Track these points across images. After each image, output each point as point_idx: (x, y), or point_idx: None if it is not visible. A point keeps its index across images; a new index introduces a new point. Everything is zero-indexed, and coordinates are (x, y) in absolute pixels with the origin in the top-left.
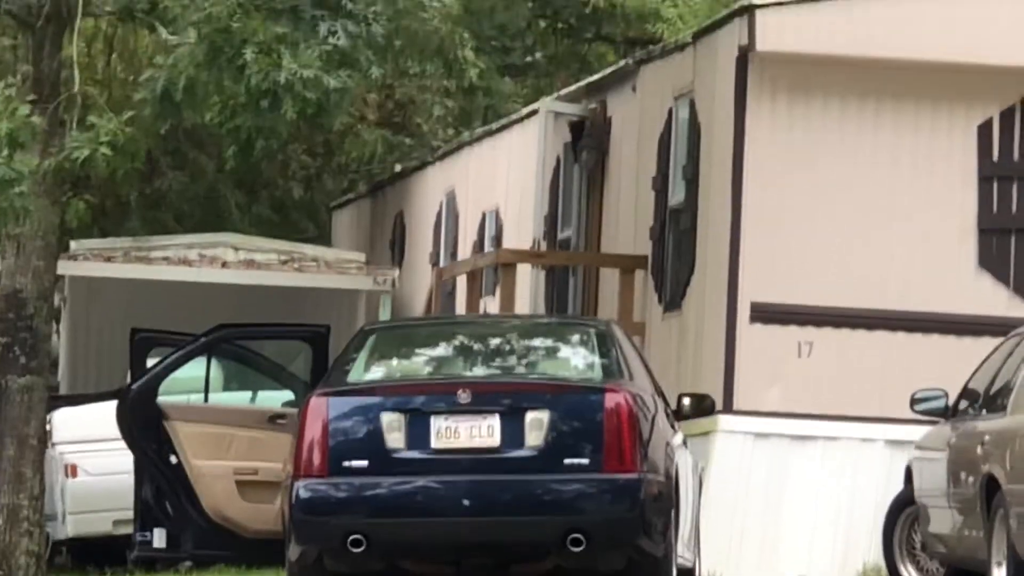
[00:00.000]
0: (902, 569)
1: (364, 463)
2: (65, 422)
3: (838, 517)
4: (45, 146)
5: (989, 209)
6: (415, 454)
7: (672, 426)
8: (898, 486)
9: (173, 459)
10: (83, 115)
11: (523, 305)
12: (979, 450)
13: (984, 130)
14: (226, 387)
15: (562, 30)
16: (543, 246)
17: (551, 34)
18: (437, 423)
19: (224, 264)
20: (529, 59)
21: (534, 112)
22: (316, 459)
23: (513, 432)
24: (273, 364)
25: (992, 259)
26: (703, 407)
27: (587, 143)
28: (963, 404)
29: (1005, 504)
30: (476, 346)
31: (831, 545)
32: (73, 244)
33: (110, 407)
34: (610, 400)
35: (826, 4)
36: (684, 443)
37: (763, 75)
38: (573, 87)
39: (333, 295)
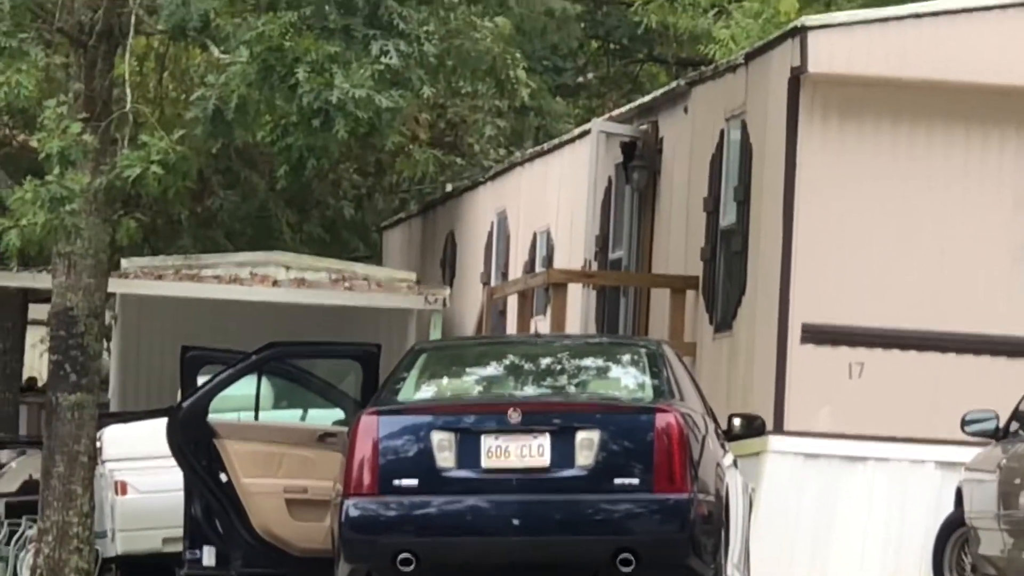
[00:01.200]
0: None
1: (414, 482)
2: (115, 439)
3: (888, 538)
4: (96, 164)
5: None
6: (465, 473)
7: (722, 446)
8: (948, 508)
9: (223, 477)
10: (135, 133)
11: (574, 325)
12: None
13: None
14: (276, 405)
15: (614, 51)
16: (594, 266)
17: (603, 54)
18: (487, 442)
19: (275, 283)
20: (581, 79)
21: (586, 132)
22: (366, 478)
23: (563, 452)
24: (324, 383)
25: None
26: (753, 427)
27: (638, 164)
28: (1014, 426)
29: None
30: (526, 366)
31: (881, 567)
32: (124, 262)
33: (160, 425)
34: (660, 420)
35: (878, 25)
36: (734, 463)
37: (815, 96)
38: (625, 108)
39: (384, 314)
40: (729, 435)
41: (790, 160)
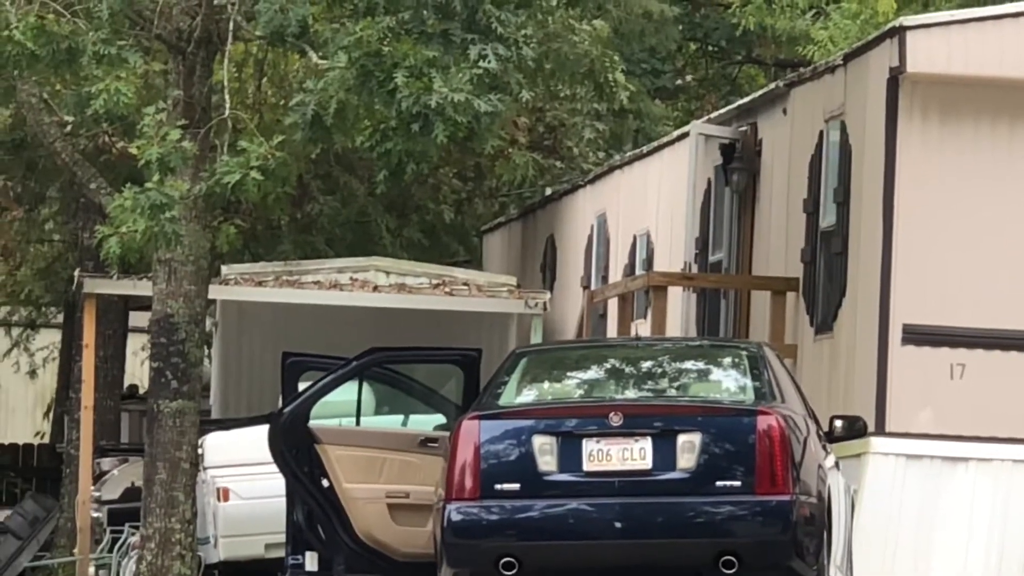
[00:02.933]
0: None
1: (516, 486)
2: (217, 446)
3: (990, 538)
4: (196, 171)
5: None
6: (567, 477)
7: (824, 448)
8: None
9: (325, 482)
10: (234, 139)
11: (674, 328)
12: None
13: None
14: (377, 410)
15: (712, 53)
16: (694, 269)
17: (701, 57)
18: (589, 446)
19: (375, 288)
20: (679, 82)
21: (685, 135)
22: (468, 482)
23: (665, 454)
24: (425, 387)
25: None
26: (855, 429)
27: (738, 165)
28: None
29: None
30: (627, 369)
31: (984, 567)
32: (224, 269)
33: (261, 431)
34: (762, 422)
35: (976, 25)
36: (836, 465)
37: (914, 97)
38: (724, 110)
39: (484, 318)
40: (830, 437)
41: (889, 161)
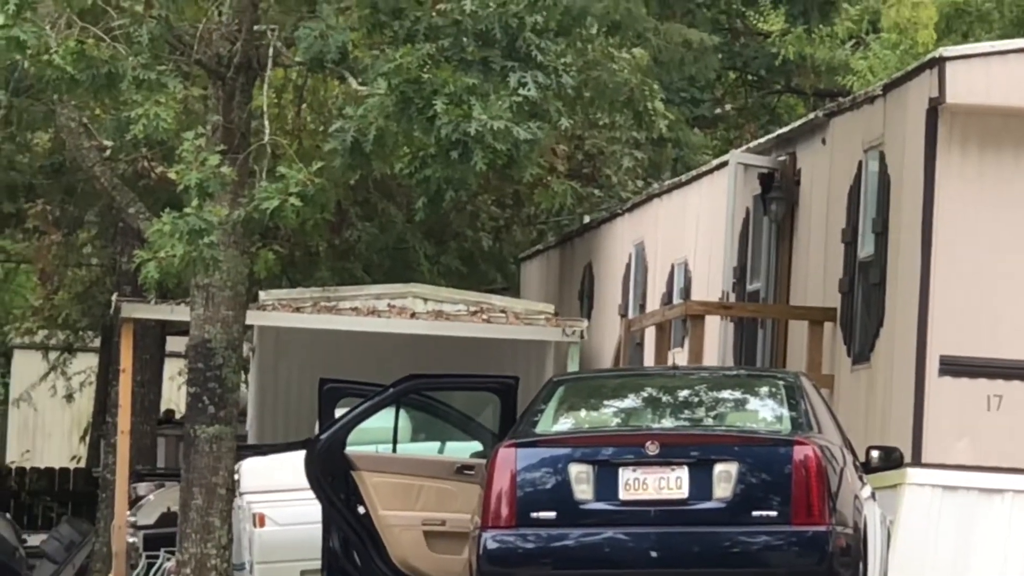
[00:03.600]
0: None
1: (552, 514)
2: (253, 472)
3: None
4: (235, 196)
5: None
6: (603, 505)
7: (860, 479)
8: None
9: (361, 509)
10: (273, 165)
11: (712, 357)
12: None
13: None
14: (414, 437)
15: (752, 82)
16: (732, 298)
17: (741, 86)
18: (625, 474)
19: (413, 315)
20: (719, 111)
21: (724, 164)
22: (504, 510)
23: (701, 484)
24: (461, 415)
25: None
26: (891, 460)
27: (776, 195)
28: None
29: None
30: (664, 398)
31: None
32: (262, 294)
33: (298, 457)
34: (799, 452)
35: (1016, 56)
36: (872, 496)
37: (953, 127)
38: (763, 139)
39: (521, 346)
40: (867, 467)
41: (928, 191)
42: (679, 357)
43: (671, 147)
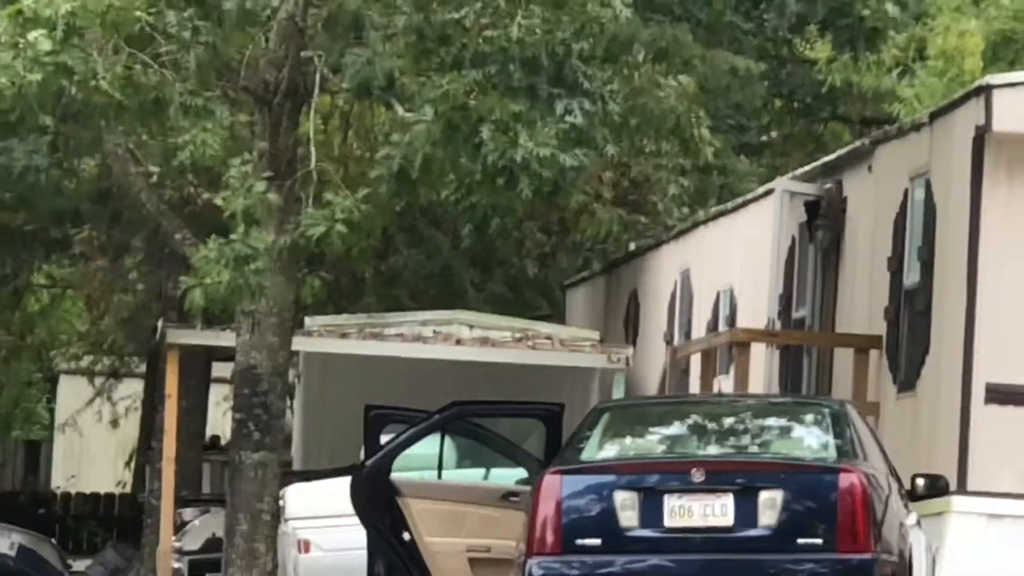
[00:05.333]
0: None
1: (597, 541)
2: (298, 497)
3: None
4: (281, 223)
5: None
6: (648, 532)
7: (906, 506)
8: None
9: (406, 536)
10: (319, 192)
11: (757, 384)
12: None
13: None
14: (459, 464)
15: (798, 109)
16: (778, 325)
17: (787, 113)
18: (671, 502)
19: (458, 341)
20: (765, 138)
21: (770, 191)
22: (549, 537)
23: (747, 511)
24: (507, 442)
25: None
26: (937, 487)
27: (822, 223)
28: None
29: None
30: (710, 425)
31: None
32: (308, 320)
33: (343, 483)
34: (844, 480)
35: None
36: (918, 523)
37: (1000, 155)
38: (809, 167)
39: (567, 373)
40: (912, 495)
41: (974, 220)
42: (724, 384)
43: (717, 174)
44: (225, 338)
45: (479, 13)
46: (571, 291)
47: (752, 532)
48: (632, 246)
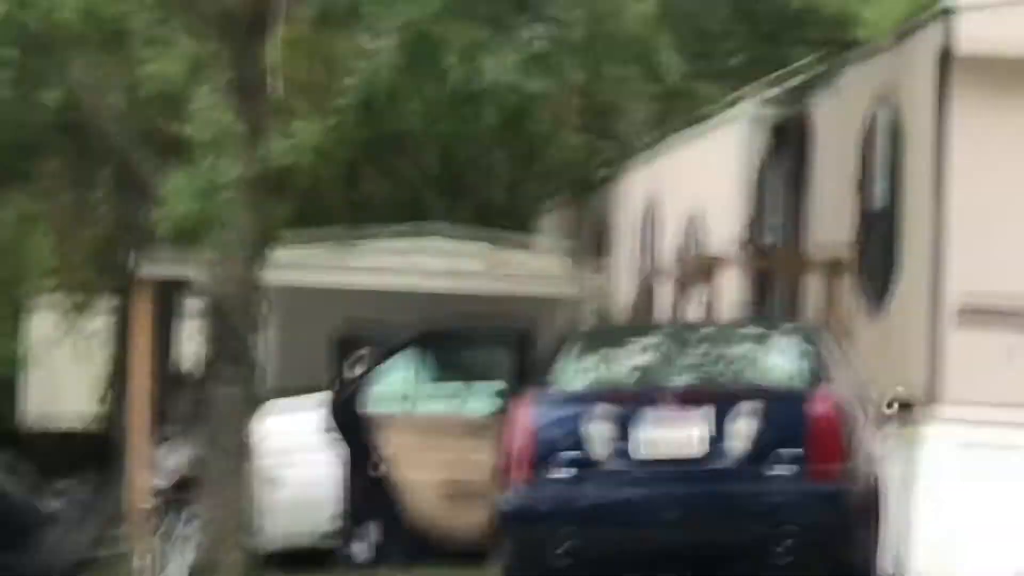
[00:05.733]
0: None
1: (570, 471)
2: (270, 433)
3: None
4: (248, 153)
5: None
6: (620, 461)
7: (878, 431)
8: None
9: (381, 468)
10: (286, 122)
11: (727, 310)
12: None
13: None
14: (432, 395)
15: (763, 35)
16: (748, 250)
17: (752, 39)
18: (642, 430)
19: (427, 272)
20: (730, 63)
21: (736, 116)
22: (522, 467)
23: (718, 439)
24: (478, 370)
25: None
26: (909, 413)
27: (789, 146)
28: None
29: None
30: (680, 352)
31: None
32: (276, 251)
33: (316, 417)
34: (816, 406)
35: None
36: (890, 448)
37: (964, 77)
38: (774, 90)
39: (537, 301)
40: (886, 420)
41: (940, 141)
42: (695, 311)
43: (683, 99)
44: (195, 271)
45: None
46: (541, 219)
47: (724, 460)
48: (601, 173)
